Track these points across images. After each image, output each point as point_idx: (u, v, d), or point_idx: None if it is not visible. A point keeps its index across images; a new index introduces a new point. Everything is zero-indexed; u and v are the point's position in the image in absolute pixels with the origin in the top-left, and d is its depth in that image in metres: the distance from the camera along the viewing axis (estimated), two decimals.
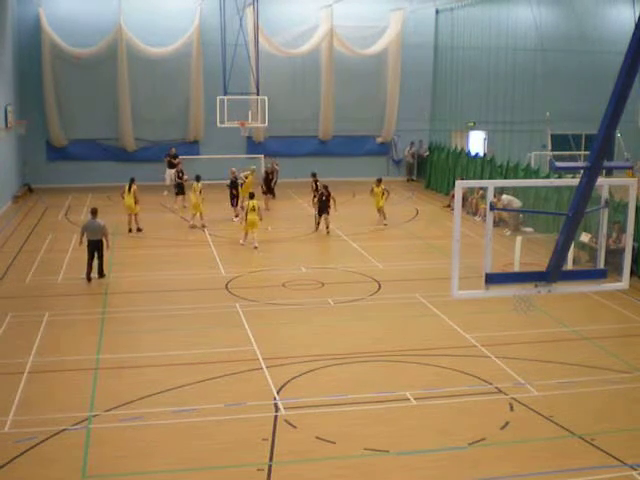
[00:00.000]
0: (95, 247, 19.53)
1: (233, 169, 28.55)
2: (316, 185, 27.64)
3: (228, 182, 28.18)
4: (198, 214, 26.15)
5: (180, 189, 29.39)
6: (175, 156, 33.01)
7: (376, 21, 37.11)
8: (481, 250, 9.60)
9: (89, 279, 19.56)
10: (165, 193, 32.24)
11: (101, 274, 19.78)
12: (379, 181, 27.54)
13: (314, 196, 26.89)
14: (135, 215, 25.52)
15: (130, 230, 25.32)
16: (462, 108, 35.22)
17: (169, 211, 29.58)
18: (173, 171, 32.46)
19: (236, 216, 27.43)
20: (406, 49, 37.40)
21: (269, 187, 31.27)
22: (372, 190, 27.49)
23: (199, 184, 25.87)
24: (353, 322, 16.91)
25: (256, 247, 23.14)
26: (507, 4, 33.92)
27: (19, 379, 13.30)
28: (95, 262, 19.70)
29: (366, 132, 38.16)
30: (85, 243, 19.57)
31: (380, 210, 27.21)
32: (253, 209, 23.06)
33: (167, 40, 34.84)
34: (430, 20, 38.18)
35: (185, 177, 29.42)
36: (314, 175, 28.98)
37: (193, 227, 26.04)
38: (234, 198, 28.01)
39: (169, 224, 27.26)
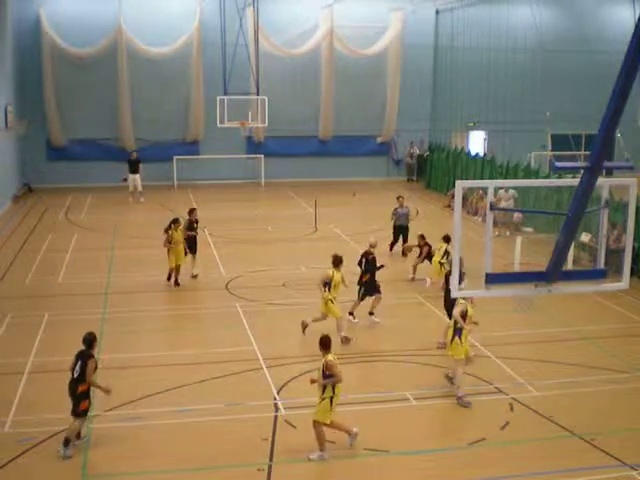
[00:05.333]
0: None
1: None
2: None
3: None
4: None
5: (192, 244, 20.04)
6: (137, 161, 32.29)
7: (376, 21, 37.12)
8: (481, 250, 9.59)
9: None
10: (132, 199, 31.77)
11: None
12: (422, 237, 20.58)
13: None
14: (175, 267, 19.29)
15: (170, 278, 19.41)
16: (462, 108, 35.22)
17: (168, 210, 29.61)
18: (137, 176, 32.02)
19: None
20: (406, 49, 37.41)
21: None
22: (409, 249, 21.64)
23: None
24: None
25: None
26: (507, 4, 33.92)
27: (19, 379, 13.30)
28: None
29: (366, 132, 38.15)
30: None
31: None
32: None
33: (167, 40, 34.86)
34: (430, 20, 38.21)
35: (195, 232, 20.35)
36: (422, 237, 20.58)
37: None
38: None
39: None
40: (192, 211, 20.46)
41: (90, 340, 11.13)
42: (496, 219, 25.07)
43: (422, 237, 20.53)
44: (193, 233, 20.01)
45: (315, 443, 10.70)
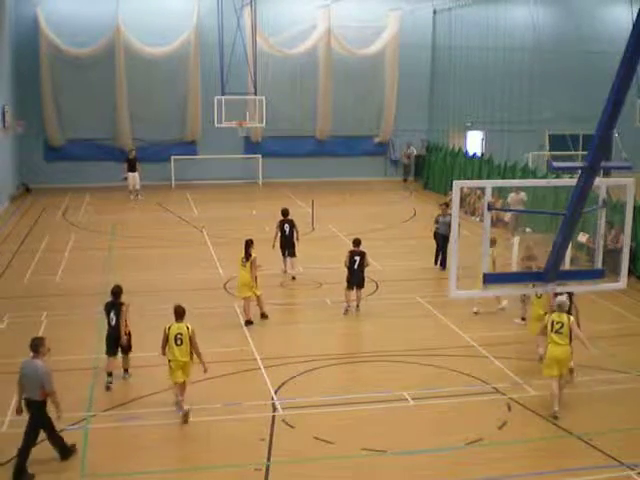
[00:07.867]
0: (33, 410, 10.59)
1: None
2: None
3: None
4: None
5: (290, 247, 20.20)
6: (135, 159, 32.38)
7: (374, 21, 37.10)
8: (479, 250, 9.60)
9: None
10: (132, 197, 32.03)
11: (64, 454, 10.64)
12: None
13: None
14: (250, 298, 16.58)
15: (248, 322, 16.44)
16: (460, 108, 35.22)
17: (167, 211, 29.61)
18: (136, 174, 32.16)
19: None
20: (404, 49, 37.39)
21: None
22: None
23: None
24: (350, 322, 16.91)
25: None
26: (504, 4, 33.92)
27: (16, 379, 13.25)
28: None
29: (364, 132, 38.12)
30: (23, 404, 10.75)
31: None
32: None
33: (165, 40, 34.83)
34: (428, 20, 38.20)
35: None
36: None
37: None
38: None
39: (168, 224, 27.23)
40: (286, 212, 20.31)
41: (117, 292, 13.22)
42: (508, 223, 24.76)
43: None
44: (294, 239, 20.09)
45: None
